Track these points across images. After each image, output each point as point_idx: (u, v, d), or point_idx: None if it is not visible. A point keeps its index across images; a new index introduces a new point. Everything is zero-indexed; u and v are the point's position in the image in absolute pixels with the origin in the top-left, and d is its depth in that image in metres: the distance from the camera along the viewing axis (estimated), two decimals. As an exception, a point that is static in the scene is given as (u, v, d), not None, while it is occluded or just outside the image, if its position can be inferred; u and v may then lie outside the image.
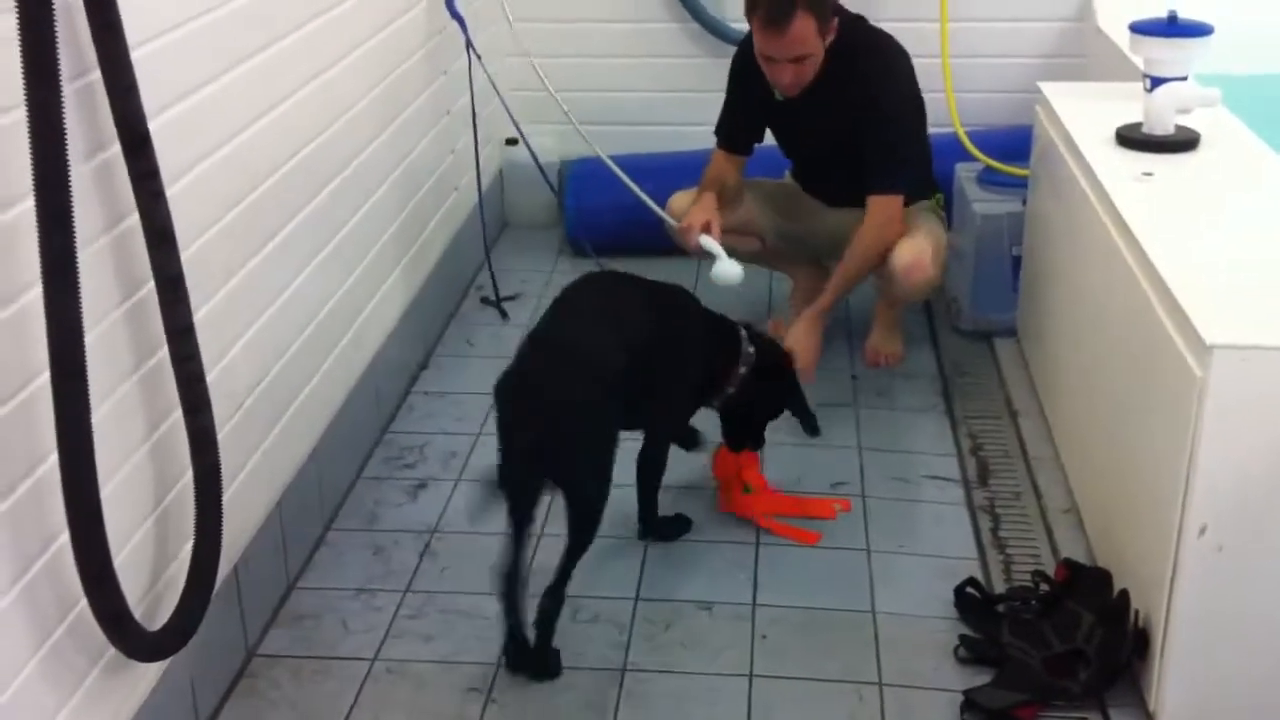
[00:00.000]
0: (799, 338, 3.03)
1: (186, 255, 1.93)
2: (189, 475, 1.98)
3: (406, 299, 3.27)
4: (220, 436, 2.01)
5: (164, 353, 1.93)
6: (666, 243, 3.35)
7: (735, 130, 3.31)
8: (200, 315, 2.03)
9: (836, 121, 3.10)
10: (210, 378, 2.00)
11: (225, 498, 2.03)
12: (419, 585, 2.51)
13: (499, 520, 2.68)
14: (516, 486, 2.24)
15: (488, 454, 2.92)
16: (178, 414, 1.96)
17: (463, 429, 3.05)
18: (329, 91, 2.71)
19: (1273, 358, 1.94)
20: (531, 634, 2.26)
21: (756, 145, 3.35)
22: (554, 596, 2.25)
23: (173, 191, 1.92)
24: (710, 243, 3.10)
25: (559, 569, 2.26)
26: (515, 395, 2.27)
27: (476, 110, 3.69)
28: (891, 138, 3.07)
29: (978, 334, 3.46)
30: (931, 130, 3.34)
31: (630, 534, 2.65)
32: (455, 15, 3.48)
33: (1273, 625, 2.04)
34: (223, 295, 2.22)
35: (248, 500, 2.32)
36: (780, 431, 3.01)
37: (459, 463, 2.92)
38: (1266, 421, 1.95)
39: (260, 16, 2.35)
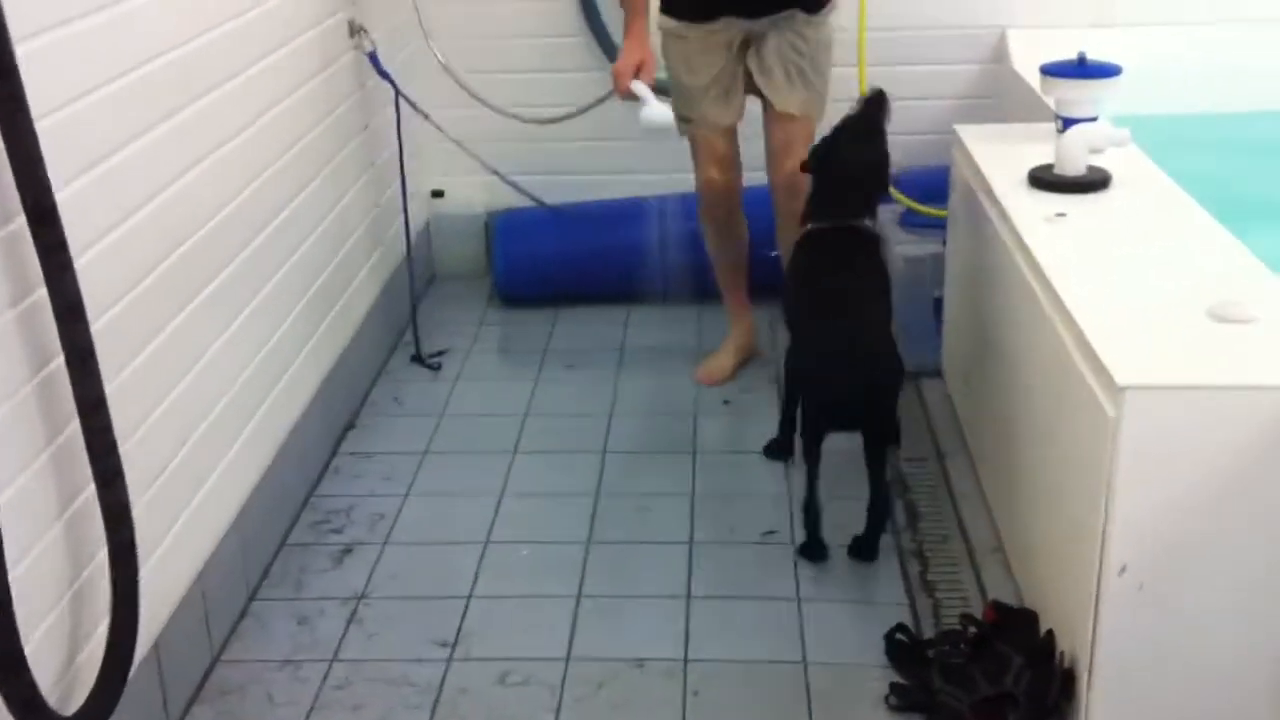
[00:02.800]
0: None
1: (101, 323, 1.91)
2: (104, 552, 1.94)
3: (332, 358, 3.24)
4: (137, 509, 1.98)
5: (76, 426, 1.90)
6: (599, 291, 3.35)
7: None
8: (115, 384, 2.01)
9: None
10: (126, 448, 1.96)
11: (143, 571, 1.99)
12: (346, 654, 2.46)
13: (426, 584, 2.67)
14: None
15: (416, 514, 2.93)
16: (92, 489, 1.93)
17: (390, 490, 3.02)
18: (247, 152, 2.70)
19: (1183, 397, 1.97)
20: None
21: None
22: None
23: (85, 260, 1.90)
24: (639, 87, 3.06)
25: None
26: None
27: (403, 163, 3.67)
28: None
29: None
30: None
31: (564, 592, 2.63)
32: (383, 74, 3.48)
33: (1194, 662, 2.06)
34: (140, 361, 2.18)
35: (168, 572, 2.27)
36: (711, 481, 3.03)
37: (386, 525, 2.88)
38: (1180, 460, 1.98)
39: (175, 79, 2.34)
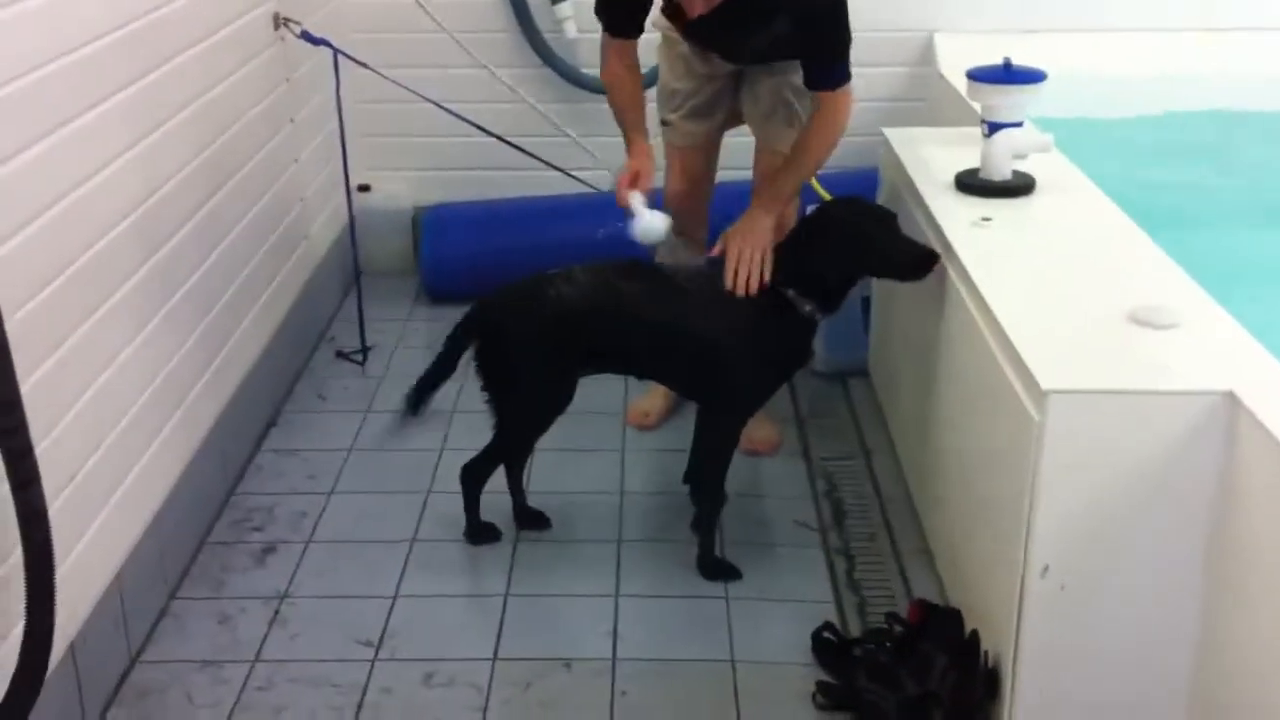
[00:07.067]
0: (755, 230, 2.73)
1: (10, 325, 1.85)
2: (18, 553, 1.89)
3: (254, 354, 3.18)
4: (53, 510, 1.93)
5: (-11, 427, 1.84)
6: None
7: (628, 16, 2.92)
8: (28, 385, 1.95)
9: (768, 30, 2.85)
10: (40, 449, 1.91)
11: (60, 572, 1.94)
12: (268, 654, 2.43)
13: (350, 583, 2.64)
14: None
15: (340, 512, 2.89)
16: (6, 490, 1.87)
17: (314, 488, 2.98)
18: (165, 150, 2.64)
19: (1106, 401, 2.00)
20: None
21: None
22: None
23: (-5, 258, 1.84)
24: (634, 198, 2.81)
25: None
26: None
27: (326, 159, 3.62)
28: (836, 37, 2.87)
29: (832, 375, 3.51)
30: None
31: (492, 591, 2.61)
32: (319, 41, 3.42)
33: (1116, 662, 2.09)
34: (52, 363, 2.13)
35: (84, 573, 2.22)
36: (643, 481, 3.03)
37: (309, 523, 2.84)
38: (1101, 463, 2.01)
39: (88, 76, 2.28)
